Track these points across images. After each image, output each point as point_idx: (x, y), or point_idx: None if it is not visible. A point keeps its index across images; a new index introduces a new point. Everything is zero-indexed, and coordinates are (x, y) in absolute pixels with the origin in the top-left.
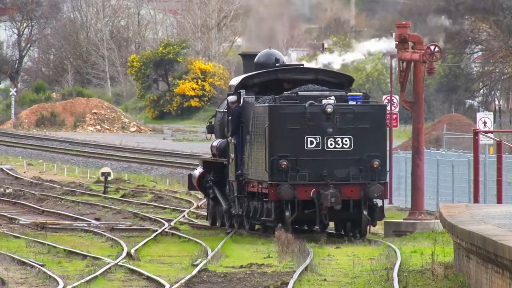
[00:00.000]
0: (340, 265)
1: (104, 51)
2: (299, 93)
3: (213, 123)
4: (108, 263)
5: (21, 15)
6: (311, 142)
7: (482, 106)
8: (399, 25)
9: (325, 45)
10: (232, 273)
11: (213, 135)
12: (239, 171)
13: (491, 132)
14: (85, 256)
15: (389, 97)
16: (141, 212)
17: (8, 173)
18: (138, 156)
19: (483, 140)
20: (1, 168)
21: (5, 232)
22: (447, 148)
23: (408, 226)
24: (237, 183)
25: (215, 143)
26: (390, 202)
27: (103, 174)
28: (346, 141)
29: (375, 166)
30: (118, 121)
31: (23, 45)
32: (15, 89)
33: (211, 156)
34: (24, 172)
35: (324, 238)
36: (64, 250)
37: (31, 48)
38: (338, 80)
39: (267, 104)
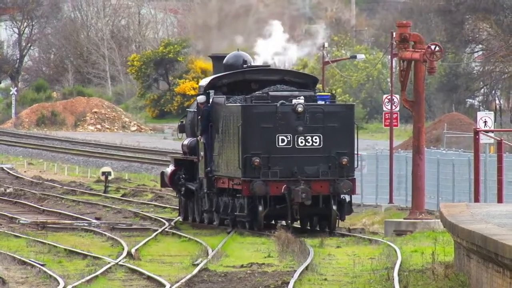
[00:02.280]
0: (340, 264)
1: (105, 50)
2: (270, 93)
3: (184, 122)
4: (109, 263)
5: (21, 15)
6: (283, 140)
7: (482, 105)
8: (399, 24)
9: (326, 45)
10: (233, 272)
11: (184, 134)
12: (208, 168)
13: (492, 131)
14: (85, 256)
15: (389, 96)
16: (142, 211)
17: (8, 173)
18: (138, 156)
19: (483, 139)
20: (2, 168)
21: (6, 231)
22: (447, 148)
23: (409, 225)
24: (207, 179)
25: (186, 142)
26: (391, 202)
27: (103, 173)
28: (316, 139)
29: (343, 163)
30: (118, 121)
31: (24, 44)
32: (15, 88)
33: (182, 154)
34: (25, 171)
35: (326, 236)
36: (65, 249)
37: (32, 47)
38: (303, 81)
39: (240, 104)
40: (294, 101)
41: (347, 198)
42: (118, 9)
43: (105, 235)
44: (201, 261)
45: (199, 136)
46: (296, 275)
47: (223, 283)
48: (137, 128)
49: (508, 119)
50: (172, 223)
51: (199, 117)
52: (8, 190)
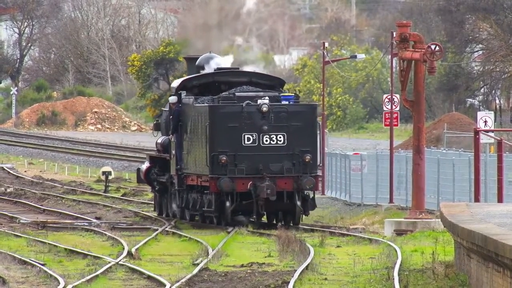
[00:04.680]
0: (340, 264)
1: (105, 50)
2: (236, 93)
3: (159, 121)
4: (109, 262)
5: (22, 15)
6: (248, 139)
7: (482, 105)
8: (399, 24)
9: (326, 45)
10: (233, 272)
11: (159, 132)
12: (178, 166)
13: (492, 131)
14: (86, 255)
15: (389, 96)
16: (142, 211)
17: (9, 172)
18: (139, 155)
19: (483, 139)
20: (2, 167)
21: (6, 231)
22: (447, 147)
23: (409, 225)
24: (177, 177)
25: (159, 140)
26: (391, 201)
27: (104, 173)
28: (280, 137)
29: (306, 160)
30: (119, 120)
31: (24, 44)
32: (16, 88)
33: (156, 152)
34: (25, 171)
35: (326, 235)
36: (65, 249)
37: (32, 47)
38: (270, 83)
39: (207, 104)
40: (259, 101)
41: (311, 194)
42: (119, 9)
43: (105, 234)
44: (202, 261)
45: (170, 135)
46: (296, 275)
47: (224, 283)
48: (137, 128)
49: (508, 118)
50: (172, 223)
51: (171, 117)
52: (8, 190)
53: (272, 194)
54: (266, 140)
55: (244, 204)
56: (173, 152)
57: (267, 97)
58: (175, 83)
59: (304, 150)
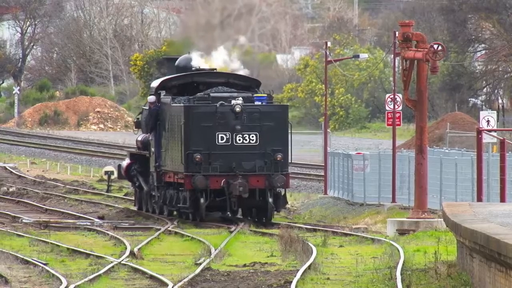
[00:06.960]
0: (343, 263)
1: (108, 49)
2: (211, 94)
3: (140, 119)
4: (111, 262)
5: (24, 14)
6: (222, 138)
7: (485, 105)
8: (402, 23)
9: (328, 44)
10: (235, 271)
11: (140, 130)
12: (157, 163)
13: (495, 130)
14: (88, 255)
15: (392, 96)
16: (144, 211)
17: (11, 172)
18: None
19: (486, 138)
20: (5, 167)
21: (8, 230)
22: (450, 147)
23: (411, 224)
24: (156, 174)
25: (139, 138)
26: (394, 201)
27: (106, 172)
28: (252, 137)
29: (278, 159)
30: (121, 120)
31: (26, 43)
32: (18, 87)
33: (137, 149)
34: (27, 170)
35: (328, 235)
36: (67, 248)
37: (34, 46)
38: (246, 83)
39: (182, 104)
40: (233, 101)
41: (283, 191)
42: (121, 8)
43: (107, 234)
44: (204, 260)
45: (149, 134)
46: (298, 274)
47: (226, 282)
48: None
49: (511, 118)
50: (175, 222)
51: (150, 115)
52: (11, 189)
53: (244, 192)
54: (239, 139)
55: (218, 201)
56: (152, 149)
57: (240, 98)
58: (155, 83)
59: (276, 149)
